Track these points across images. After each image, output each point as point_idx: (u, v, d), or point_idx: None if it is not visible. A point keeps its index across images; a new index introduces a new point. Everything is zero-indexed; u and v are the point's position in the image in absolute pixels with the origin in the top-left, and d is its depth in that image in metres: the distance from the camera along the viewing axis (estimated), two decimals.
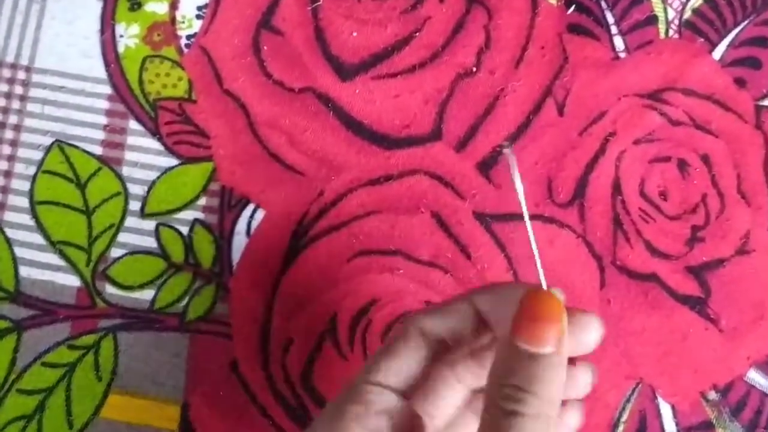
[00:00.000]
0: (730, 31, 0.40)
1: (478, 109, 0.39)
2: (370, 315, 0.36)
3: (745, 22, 0.40)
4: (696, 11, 0.40)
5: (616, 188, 0.38)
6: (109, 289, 0.37)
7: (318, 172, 0.38)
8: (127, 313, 0.37)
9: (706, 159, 0.38)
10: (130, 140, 0.39)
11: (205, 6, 0.41)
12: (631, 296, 0.37)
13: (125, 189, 0.38)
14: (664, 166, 0.38)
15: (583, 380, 0.26)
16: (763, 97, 0.39)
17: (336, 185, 0.38)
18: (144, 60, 0.40)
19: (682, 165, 0.38)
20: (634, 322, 0.36)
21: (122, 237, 0.38)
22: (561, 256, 0.37)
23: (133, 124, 0.39)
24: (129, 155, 0.39)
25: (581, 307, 0.36)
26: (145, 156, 0.39)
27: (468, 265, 0.37)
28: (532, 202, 0.38)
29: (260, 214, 0.38)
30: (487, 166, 0.38)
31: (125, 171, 0.39)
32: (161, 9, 0.41)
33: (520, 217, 0.37)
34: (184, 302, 0.37)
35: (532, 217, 0.37)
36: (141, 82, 0.40)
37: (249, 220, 0.38)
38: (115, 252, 0.38)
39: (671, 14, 0.40)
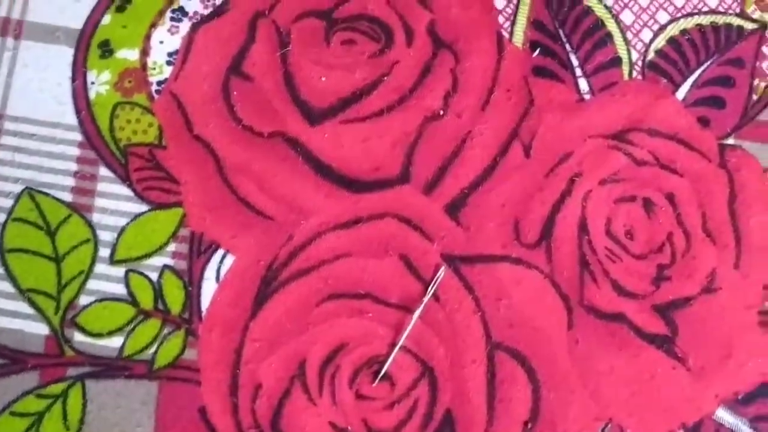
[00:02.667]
0: (693, 71, 0.46)
1: (445, 152, 0.44)
2: (338, 359, 0.41)
3: (708, 62, 0.46)
4: (659, 52, 0.46)
5: (583, 228, 0.43)
6: (78, 337, 0.41)
7: (287, 217, 0.43)
8: (96, 360, 0.41)
9: (671, 198, 0.43)
10: (101, 187, 0.44)
11: (176, 52, 0.46)
12: (598, 336, 0.41)
13: (95, 236, 0.43)
14: (629, 206, 0.43)
15: None
16: (726, 136, 0.45)
17: (305, 229, 0.43)
18: (115, 106, 0.45)
19: (648, 204, 0.43)
20: (603, 362, 0.41)
21: (91, 284, 0.42)
22: (528, 296, 0.42)
23: (103, 171, 0.44)
24: (99, 202, 0.43)
25: (549, 348, 0.41)
26: (115, 202, 0.43)
27: (437, 308, 0.41)
28: (500, 243, 0.42)
29: (230, 260, 0.42)
30: (456, 208, 0.43)
31: (95, 218, 0.43)
32: (132, 56, 0.46)
33: (489, 259, 0.42)
34: (153, 349, 0.41)
35: (500, 259, 0.42)
36: (112, 128, 0.45)
37: (218, 265, 0.42)
38: (85, 299, 0.42)
39: (635, 56, 0.46)
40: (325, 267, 0.42)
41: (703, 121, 0.45)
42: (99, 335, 0.42)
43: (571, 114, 0.44)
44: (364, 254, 0.42)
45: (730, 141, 0.45)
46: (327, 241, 0.43)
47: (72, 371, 0.41)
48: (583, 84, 0.45)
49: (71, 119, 0.45)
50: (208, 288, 0.42)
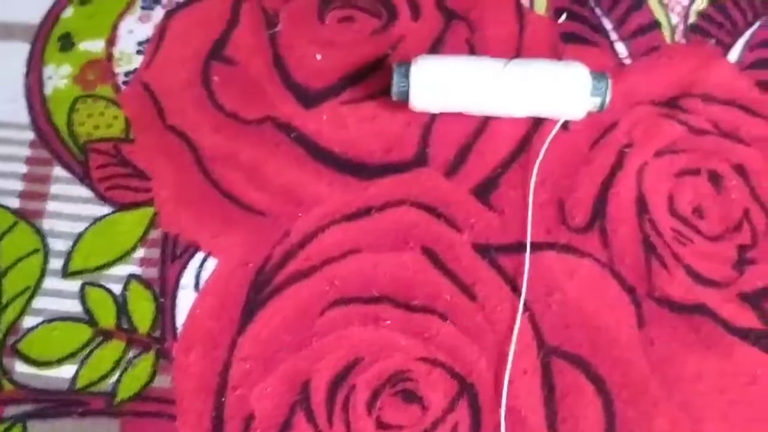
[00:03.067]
0: (742, 33, 0.41)
1: (467, 129, 0.38)
2: (352, 378, 0.33)
3: (758, 22, 0.41)
4: (702, 14, 0.41)
5: (642, 206, 0.36)
6: (20, 367, 0.34)
7: (282, 210, 0.36)
8: (41, 396, 0.33)
9: (740, 170, 0.37)
10: (54, 189, 0.37)
11: (147, 40, 0.41)
12: (678, 334, 0.34)
13: (45, 245, 0.36)
14: (694, 180, 0.37)
15: None
16: None
17: (304, 223, 0.36)
18: (75, 101, 0.39)
19: (715, 177, 0.37)
20: (688, 366, 0.33)
21: (38, 302, 0.35)
22: (585, 290, 0.34)
23: (58, 171, 0.38)
24: (52, 206, 0.37)
25: (618, 351, 0.33)
26: (71, 206, 0.37)
27: (472, 308, 0.34)
28: (543, 228, 0.35)
29: (212, 264, 0.35)
30: (486, 190, 0.36)
31: (46, 224, 0.37)
32: (96, 47, 0.41)
33: (532, 247, 0.34)
34: (115, 378, 0.33)
35: (546, 246, 0.35)
36: (70, 124, 0.39)
37: (198, 271, 0.35)
38: (30, 321, 0.35)
39: (675, 19, 0.41)
40: (330, 266, 0.35)
41: (763, 85, 0.39)
42: (46, 364, 0.34)
43: (613, 79, 0.38)
44: (378, 249, 0.35)
45: None
46: (331, 235, 0.36)
47: (11, 410, 0.33)
48: (621, 48, 0.40)
49: (23, 117, 0.39)
50: (185, 298, 0.35)
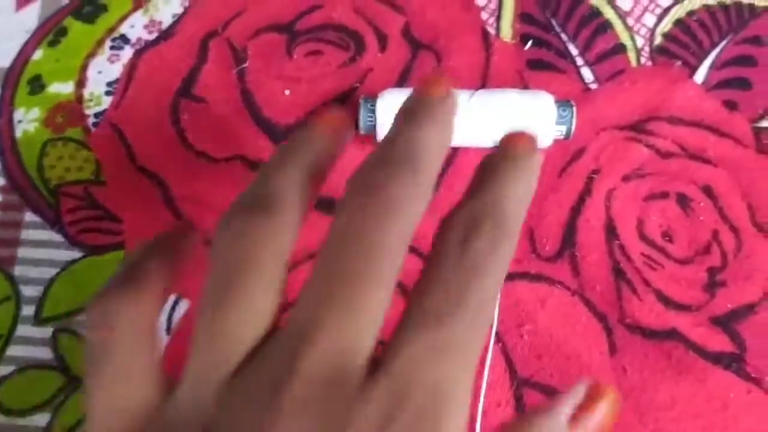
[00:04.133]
0: (708, 53, 0.41)
1: None
2: None
3: (724, 41, 0.41)
4: (667, 35, 0.41)
5: (611, 232, 0.36)
6: None
7: None
8: None
9: (708, 191, 0.37)
10: (25, 234, 0.37)
11: (116, 81, 0.41)
12: (650, 361, 0.34)
13: (17, 292, 0.36)
14: (662, 203, 0.37)
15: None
16: (759, 118, 0.39)
17: None
18: (45, 144, 0.39)
19: (683, 200, 0.37)
20: (661, 393, 0.33)
21: (11, 350, 0.35)
22: (556, 319, 0.34)
23: (29, 216, 0.38)
24: (23, 252, 0.37)
25: (590, 379, 0.33)
26: (42, 251, 0.37)
27: None
28: (515, 258, 0.35)
29: (184, 306, 0.35)
30: None
31: (18, 271, 0.36)
32: (66, 89, 0.41)
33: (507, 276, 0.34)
34: None
35: (516, 276, 0.35)
36: (40, 168, 0.39)
37: (169, 313, 0.36)
38: (2, 370, 0.35)
39: (640, 41, 0.41)
40: None
41: (730, 105, 0.40)
42: (19, 413, 0.34)
43: (579, 106, 0.39)
44: None
45: (766, 123, 0.39)
46: (304, 273, 0.35)
47: None
48: (587, 73, 0.40)
49: None
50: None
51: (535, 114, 0.36)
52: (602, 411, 0.22)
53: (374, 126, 0.36)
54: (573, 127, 0.36)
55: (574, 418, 0.22)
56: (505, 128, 0.36)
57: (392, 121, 0.32)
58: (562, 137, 0.37)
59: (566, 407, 0.22)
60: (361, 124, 0.36)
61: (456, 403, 0.18)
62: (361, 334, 0.19)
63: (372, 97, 0.36)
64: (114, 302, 0.20)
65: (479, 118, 0.36)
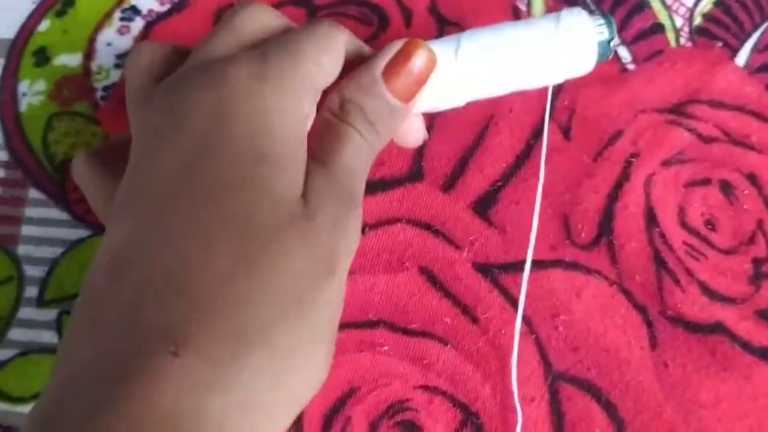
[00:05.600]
0: (750, 35, 0.39)
1: (465, 141, 0.36)
2: (347, 410, 0.31)
3: (766, 24, 0.39)
4: (707, 16, 0.39)
5: (651, 219, 0.34)
6: None
7: None
8: None
9: (752, 179, 0.36)
10: (29, 212, 0.36)
11: (127, 53, 0.39)
12: (693, 356, 0.32)
13: (20, 272, 0.34)
14: (704, 190, 0.35)
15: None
16: None
17: None
18: (50, 118, 0.37)
19: (726, 187, 0.35)
20: (705, 390, 0.31)
21: (13, 334, 0.33)
22: (593, 310, 0.33)
23: (33, 193, 0.36)
24: (26, 230, 0.35)
25: (630, 375, 0.31)
26: (46, 230, 0.35)
27: (475, 331, 0.32)
28: (547, 244, 0.34)
29: None
30: (485, 205, 0.35)
31: (21, 250, 0.35)
32: (73, 61, 0.39)
33: (536, 265, 0.33)
34: None
35: (551, 264, 0.33)
36: (45, 142, 0.37)
37: None
38: (3, 353, 0.33)
39: (679, 21, 0.39)
40: None
41: None
42: (20, 400, 0.32)
43: (615, 87, 0.37)
44: (373, 270, 0.33)
45: None
46: None
47: None
48: (624, 53, 0.38)
49: None
50: None
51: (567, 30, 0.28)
52: (416, 63, 0.27)
53: None
54: (615, 31, 0.29)
55: (389, 71, 0.26)
56: (527, 63, 0.28)
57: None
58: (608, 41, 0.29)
59: (381, 62, 0.27)
60: None
61: None
62: None
63: None
64: None
65: (504, 62, 0.28)
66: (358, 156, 0.26)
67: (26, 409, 0.32)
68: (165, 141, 0.23)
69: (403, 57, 0.27)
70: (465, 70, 0.28)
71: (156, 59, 0.27)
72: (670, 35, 0.39)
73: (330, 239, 0.23)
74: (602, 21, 0.28)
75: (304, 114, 0.24)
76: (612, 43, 0.29)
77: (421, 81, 0.27)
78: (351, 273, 0.33)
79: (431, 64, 0.27)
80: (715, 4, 0.40)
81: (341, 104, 0.26)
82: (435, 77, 0.28)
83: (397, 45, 0.27)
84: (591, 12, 0.31)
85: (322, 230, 0.23)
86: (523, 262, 0.33)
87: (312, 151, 0.25)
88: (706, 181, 0.36)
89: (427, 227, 0.34)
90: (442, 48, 0.28)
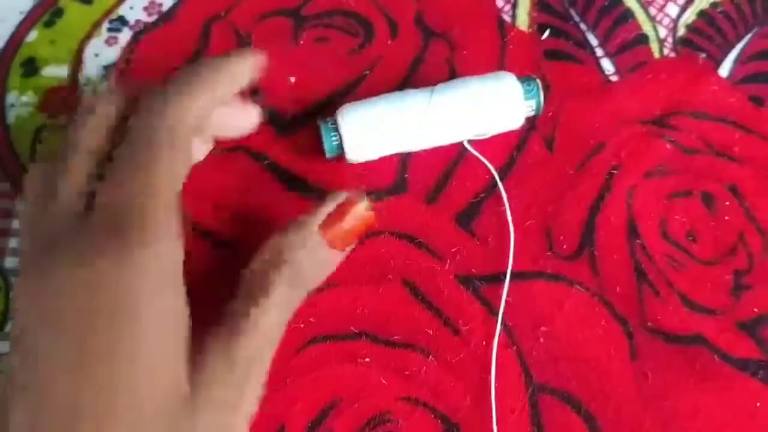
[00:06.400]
0: (733, 46, 0.39)
1: (448, 154, 0.36)
2: (329, 422, 0.31)
3: (749, 34, 0.39)
4: (690, 27, 0.40)
5: (632, 231, 0.35)
6: None
7: (252, 243, 0.34)
8: None
9: (734, 190, 0.36)
10: (16, 224, 0.35)
11: (113, 65, 0.39)
12: (674, 366, 0.32)
13: (7, 285, 0.34)
14: (686, 202, 0.35)
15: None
16: None
17: None
18: (38, 129, 0.38)
19: (708, 199, 0.35)
20: (684, 401, 0.32)
21: (1, 347, 0.33)
22: (575, 321, 0.33)
23: (21, 206, 0.36)
24: (15, 243, 0.35)
25: (610, 386, 0.31)
26: None
27: (456, 343, 0.32)
28: (529, 256, 0.34)
29: None
30: (468, 217, 0.35)
31: (9, 263, 0.35)
32: (61, 72, 0.39)
33: (518, 276, 0.33)
34: None
35: (532, 275, 0.33)
36: (34, 154, 0.37)
37: None
38: None
39: (663, 32, 0.39)
40: (305, 302, 0.33)
41: (756, 100, 0.38)
42: None
43: (598, 98, 0.37)
44: (355, 281, 0.34)
45: None
46: None
47: None
48: (607, 64, 0.39)
49: None
50: None
51: (500, 96, 0.34)
52: (352, 220, 0.28)
53: (340, 144, 0.34)
54: (542, 101, 0.35)
55: (325, 225, 0.28)
56: (475, 118, 0.34)
57: (360, 136, 0.32)
58: (534, 112, 0.35)
59: (319, 215, 0.28)
60: (326, 146, 0.34)
61: None
62: None
63: (330, 117, 0.34)
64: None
65: (445, 114, 0.34)
66: (278, 313, 0.27)
67: None
68: (47, 335, 0.23)
69: (341, 212, 0.28)
70: (437, 110, 0.34)
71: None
72: (654, 46, 0.39)
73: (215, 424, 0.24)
74: (530, 93, 0.35)
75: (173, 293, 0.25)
76: (539, 108, 0.35)
77: (359, 234, 0.29)
78: (334, 285, 0.34)
79: (370, 218, 0.29)
80: (699, 15, 0.40)
81: (272, 256, 0.27)
82: (410, 119, 0.33)
83: (337, 198, 0.28)
84: (523, 80, 0.35)
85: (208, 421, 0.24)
86: (506, 273, 0.34)
87: (233, 307, 0.26)
88: (688, 193, 0.36)
89: (411, 239, 0.35)
90: (421, 93, 0.34)
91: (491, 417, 0.31)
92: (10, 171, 0.37)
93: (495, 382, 0.32)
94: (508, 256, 0.34)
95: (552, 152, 0.36)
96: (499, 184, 0.35)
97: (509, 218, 0.34)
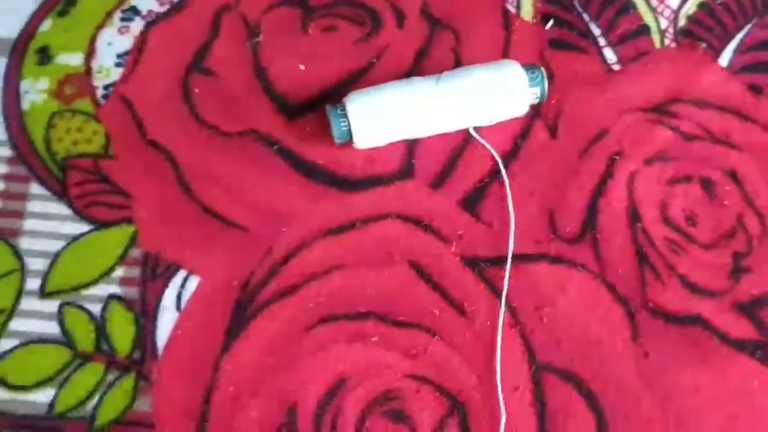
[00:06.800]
0: (733, 36, 0.40)
1: (454, 140, 0.37)
2: (339, 399, 0.32)
3: (749, 25, 0.40)
4: (691, 18, 0.40)
5: (634, 215, 0.35)
6: None
7: (264, 226, 0.36)
8: (19, 422, 0.32)
9: (733, 175, 0.37)
10: (31, 206, 0.37)
11: (126, 53, 0.40)
12: (673, 346, 0.33)
13: (23, 265, 0.35)
14: (686, 187, 0.36)
15: None
16: None
17: (287, 239, 0.35)
18: (52, 116, 0.38)
19: (707, 184, 0.36)
20: (684, 379, 0.32)
21: (15, 324, 0.34)
22: (577, 302, 0.34)
23: (35, 188, 0.37)
24: (29, 224, 0.36)
25: (611, 365, 0.32)
26: (48, 223, 0.36)
27: (462, 323, 0.33)
28: (532, 239, 0.35)
29: (194, 283, 0.35)
30: (473, 201, 0.36)
31: (23, 243, 0.35)
32: (75, 60, 0.40)
33: (522, 258, 0.34)
34: (94, 402, 0.33)
35: (536, 258, 0.34)
36: (48, 140, 0.38)
37: (179, 291, 0.35)
38: (6, 343, 0.34)
39: (664, 23, 0.40)
40: (315, 283, 0.34)
41: (755, 89, 0.39)
42: (23, 388, 0.33)
43: (601, 87, 0.38)
44: (363, 264, 0.34)
45: None
46: (315, 250, 0.35)
47: None
48: (610, 54, 0.39)
49: (0, 133, 0.38)
50: (166, 319, 0.34)
51: (505, 83, 0.35)
52: None
53: (349, 130, 0.35)
54: (546, 88, 0.36)
55: None
56: (481, 105, 0.35)
57: (368, 122, 0.32)
58: (538, 100, 0.36)
59: None
60: (335, 132, 0.35)
61: None
62: None
63: (339, 103, 0.35)
64: None
65: (451, 101, 0.35)
66: None
67: (27, 397, 0.33)
68: None
69: None
70: (443, 97, 0.34)
71: None
72: (656, 36, 0.40)
73: None
74: (534, 80, 0.35)
75: None
76: (543, 96, 0.36)
77: None
78: (342, 267, 0.34)
79: None
80: (700, 6, 0.41)
81: None
82: (418, 106, 0.34)
83: None
84: (528, 68, 0.36)
85: None
86: (511, 256, 0.34)
87: None
88: (688, 178, 0.37)
89: (417, 223, 0.35)
90: (427, 80, 0.35)
91: (496, 395, 0.32)
92: (24, 156, 0.38)
93: (499, 362, 0.32)
94: (513, 239, 0.35)
95: (555, 139, 0.37)
96: (503, 171, 0.36)
97: (510, 204, 0.35)
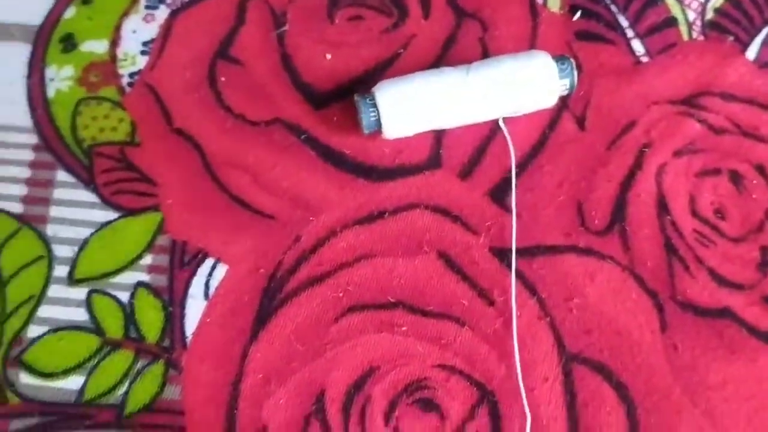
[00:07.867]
0: (760, 30, 0.40)
1: (482, 130, 0.37)
2: (368, 388, 0.32)
3: None
4: (719, 11, 0.40)
5: (662, 207, 0.35)
6: (25, 379, 0.33)
7: (292, 214, 0.35)
8: (48, 408, 0.32)
9: (761, 169, 0.36)
10: (58, 194, 0.36)
11: (151, 41, 0.40)
12: (702, 339, 0.33)
13: (50, 251, 0.35)
14: (714, 180, 0.36)
15: None
16: None
17: (315, 228, 0.35)
18: (78, 103, 0.38)
19: (736, 177, 0.36)
20: (712, 373, 0.32)
21: (44, 311, 0.34)
22: (606, 293, 0.33)
23: (62, 176, 0.37)
24: (56, 211, 0.36)
25: (640, 357, 0.32)
26: (75, 211, 0.36)
27: (491, 314, 0.33)
28: (562, 231, 0.34)
29: (221, 271, 0.35)
30: (502, 192, 0.36)
31: (50, 230, 0.36)
32: (100, 48, 0.40)
33: (551, 250, 0.34)
34: (123, 389, 0.33)
35: (565, 249, 0.34)
36: (74, 127, 0.38)
37: (207, 279, 0.34)
38: (35, 330, 0.34)
39: (691, 15, 0.40)
40: (344, 272, 0.34)
41: None
42: (52, 375, 0.33)
43: (629, 78, 0.38)
44: (392, 253, 0.34)
45: None
46: (344, 240, 0.35)
47: (17, 423, 0.32)
48: (638, 45, 0.39)
49: (25, 120, 0.38)
50: (195, 307, 0.34)
51: (535, 74, 0.35)
52: None
53: (378, 120, 0.34)
54: (576, 80, 0.35)
55: None
56: (510, 96, 0.35)
57: (397, 112, 0.32)
58: (567, 91, 0.36)
59: None
60: (364, 122, 0.34)
61: None
62: None
63: (367, 93, 0.35)
64: None
65: (481, 92, 0.34)
66: None
67: (57, 384, 0.32)
68: None
69: None
70: (474, 88, 0.34)
71: None
72: (683, 29, 0.40)
73: None
74: (564, 71, 0.35)
75: None
76: (573, 87, 0.36)
77: None
78: (371, 256, 0.34)
79: None
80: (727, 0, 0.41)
81: None
82: (447, 96, 0.34)
83: None
84: (557, 59, 0.35)
85: None
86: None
87: None
88: (717, 171, 0.36)
89: (445, 213, 0.35)
90: (458, 70, 0.35)
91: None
92: (50, 143, 0.38)
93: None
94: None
95: (583, 130, 0.37)
96: (513, 167, 0.36)
97: (513, 198, 0.35)
